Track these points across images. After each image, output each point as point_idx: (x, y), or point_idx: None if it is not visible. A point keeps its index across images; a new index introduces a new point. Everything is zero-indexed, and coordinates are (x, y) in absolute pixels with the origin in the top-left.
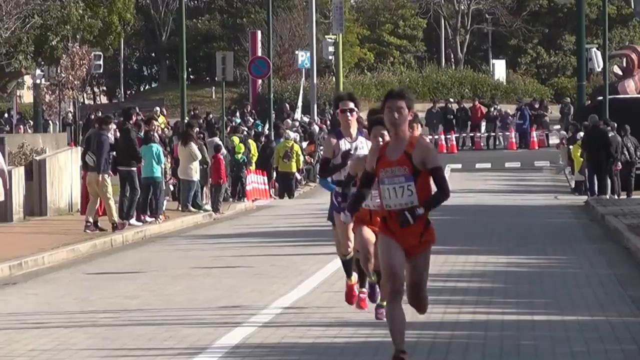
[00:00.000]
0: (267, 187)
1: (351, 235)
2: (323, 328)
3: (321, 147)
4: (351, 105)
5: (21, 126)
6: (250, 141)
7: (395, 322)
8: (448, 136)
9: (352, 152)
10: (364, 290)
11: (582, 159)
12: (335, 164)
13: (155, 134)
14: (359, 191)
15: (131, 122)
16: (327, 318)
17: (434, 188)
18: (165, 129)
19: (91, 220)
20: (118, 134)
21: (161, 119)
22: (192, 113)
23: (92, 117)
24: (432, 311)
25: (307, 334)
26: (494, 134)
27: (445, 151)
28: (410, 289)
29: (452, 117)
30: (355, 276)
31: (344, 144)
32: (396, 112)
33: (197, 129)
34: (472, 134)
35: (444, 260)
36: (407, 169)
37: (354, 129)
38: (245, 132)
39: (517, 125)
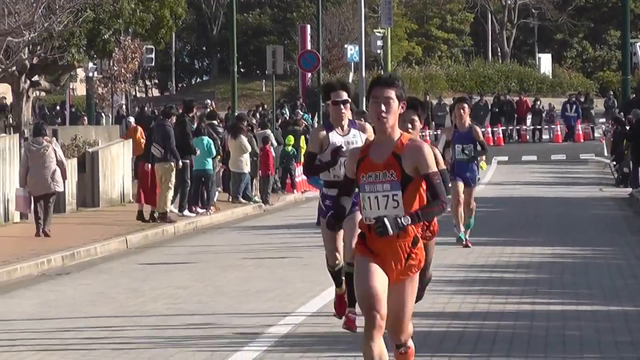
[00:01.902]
0: None
1: (340, 244)
2: None
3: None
4: (344, 95)
5: (85, 118)
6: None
7: None
8: (495, 129)
9: (343, 147)
10: (354, 310)
11: (626, 152)
12: (322, 161)
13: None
14: (337, 201)
15: (191, 114)
16: None
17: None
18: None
19: (161, 210)
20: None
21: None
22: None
23: (145, 109)
24: (478, 301)
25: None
26: (539, 126)
27: (492, 143)
28: (390, 314)
29: (497, 110)
30: (344, 287)
31: (334, 137)
32: (383, 104)
33: (247, 122)
34: (518, 127)
35: (491, 251)
36: (395, 175)
37: (345, 122)
38: (304, 126)
39: (566, 118)
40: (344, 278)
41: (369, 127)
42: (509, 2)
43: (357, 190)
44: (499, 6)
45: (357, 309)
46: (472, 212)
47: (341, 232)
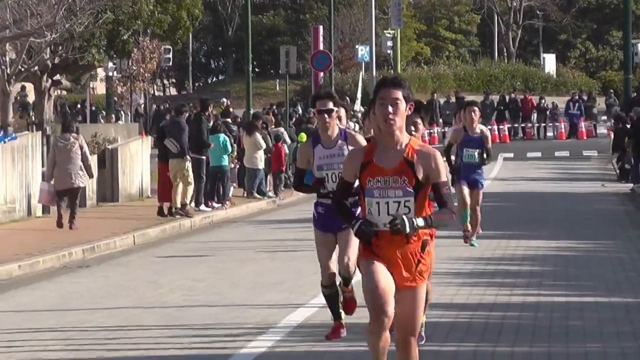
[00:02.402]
0: None
1: (334, 265)
2: None
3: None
4: (330, 105)
5: (112, 115)
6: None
7: (379, 354)
8: (501, 127)
9: (326, 180)
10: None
11: (627, 149)
12: (312, 181)
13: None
14: (339, 209)
15: (207, 112)
16: None
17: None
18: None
19: (179, 204)
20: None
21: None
22: (275, 106)
23: (161, 108)
24: (485, 293)
25: (366, 314)
26: (544, 124)
27: (498, 140)
28: (400, 319)
29: (503, 108)
30: (343, 317)
31: (319, 151)
32: (391, 105)
33: (262, 120)
34: (523, 125)
35: (497, 245)
36: (407, 181)
37: (333, 132)
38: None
39: (570, 116)
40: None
41: (360, 139)
42: (515, 3)
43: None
44: (505, 8)
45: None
46: (477, 221)
47: (334, 245)
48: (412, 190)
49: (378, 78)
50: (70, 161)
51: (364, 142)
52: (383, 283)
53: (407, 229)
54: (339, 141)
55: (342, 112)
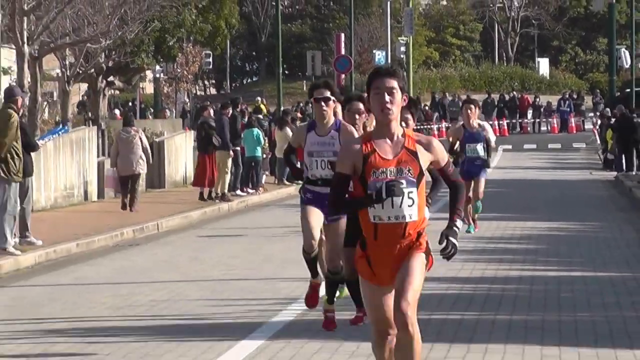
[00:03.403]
0: None
1: (317, 233)
2: None
3: None
4: (327, 93)
5: (167, 111)
6: None
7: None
8: (500, 122)
9: (313, 163)
10: (332, 308)
11: (612, 141)
12: (294, 168)
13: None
14: (335, 196)
15: (238, 109)
16: None
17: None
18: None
19: (219, 192)
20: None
21: (263, 107)
22: (300, 106)
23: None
24: (486, 268)
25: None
26: (538, 120)
27: (498, 134)
28: (396, 290)
29: (503, 105)
30: (321, 277)
31: (312, 137)
32: (387, 94)
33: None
34: (520, 120)
35: (497, 226)
36: (412, 171)
37: (329, 122)
38: None
39: (561, 112)
40: (324, 282)
41: (352, 130)
42: (513, 13)
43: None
44: (504, 17)
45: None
46: (479, 198)
47: (319, 220)
48: (415, 181)
49: None
50: (131, 151)
51: (355, 134)
52: (387, 308)
53: (458, 245)
54: (332, 131)
55: (339, 107)
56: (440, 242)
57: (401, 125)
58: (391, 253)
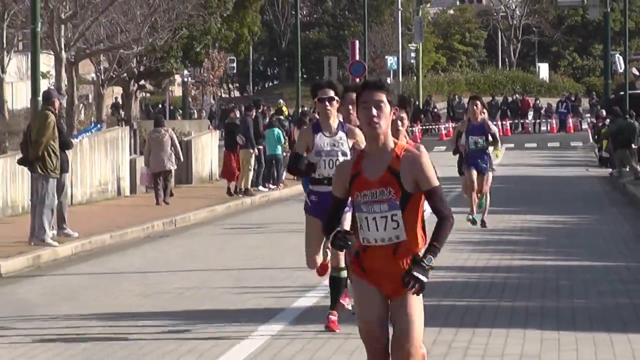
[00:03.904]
0: None
1: (319, 246)
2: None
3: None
4: (330, 93)
5: (203, 112)
6: None
7: None
8: (503, 122)
9: (316, 165)
10: (334, 312)
11: (607, 141)
12: (306, 164)
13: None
14: (328, 222)
15: (260, 110)
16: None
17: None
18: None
19: (243, 187)
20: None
21: (284, 109)
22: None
23: (227, 108)
24: (491, 258)
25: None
26: (539, 120)
27: (501, 134)
28: (398, 330)
29: (506, 107)
30: (328, 254)
31: (320, 139)
32: (374, 108)
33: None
34: (522, 121)
35: (500, 219)
36: (393, 193)
37: (334, 122)
38: None
39: (560, 113)
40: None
41: (359, 133)
42: (515, 22)
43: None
44: (507, 25)
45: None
46: (484, 195)
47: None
48: (398, 203)
49: (404, 83)
50: (162, 149)
51: (361, 136)
52: (376, 314)
53: (425, 280)
54: (340, 132)
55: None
56: (402, 280)
57: (397, 123)
58: (384, 269)
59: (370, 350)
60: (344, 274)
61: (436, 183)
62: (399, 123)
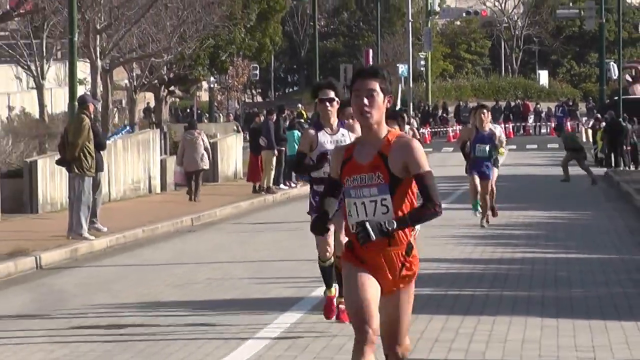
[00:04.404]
0: None
1: (331, 240)
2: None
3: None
4: (331, 94)
5: (231, 115)
6: None
7: None
8: (506, 125)
9: (329, 155)
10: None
11: (602, 142)
12: (313, 160)
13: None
14: (321, 203)
15: (283, 115)
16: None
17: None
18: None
19: (265, 185)
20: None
21: (304, 113)
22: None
23: (251, 113)
24: (495, 250)
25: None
26: (539, 123)
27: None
28: (384, 326)
29: (508, 111)
30: (335, 287)
31: (323, 136)
32: (366, 97)
33: None
34: (523, 124)
35: (502, 214)
36: (382, 177)
37: (334, 121)
38: None
39: (558, 117)
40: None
41: (357, 127)
42: (517, 32)
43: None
44: (509, 35)
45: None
46: (486, 207)
47: (331, 228)
48: (387, 187)
49: (414, 89)
50: (195, 150)
51: (359, 130)
52: (366, 294)
53: (372, 236)
54: (340, 129)
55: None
56: (355, 228)
57: (392, 126)
58: (377, 259)
59: (360, 333)
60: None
61: (426, 168)
62: (396, 127)
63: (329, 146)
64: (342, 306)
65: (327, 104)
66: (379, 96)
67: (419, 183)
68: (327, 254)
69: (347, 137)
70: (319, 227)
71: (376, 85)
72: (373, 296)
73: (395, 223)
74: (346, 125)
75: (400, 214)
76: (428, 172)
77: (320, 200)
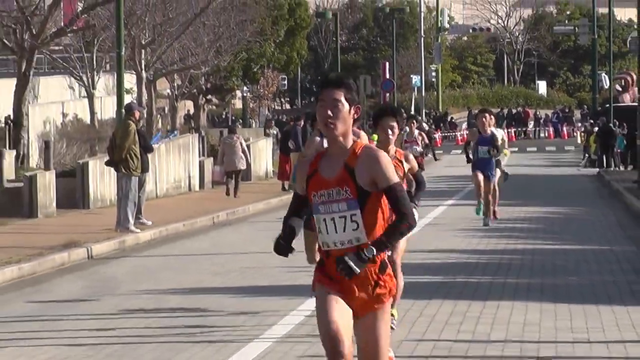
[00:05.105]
0: None
1: None
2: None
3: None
4: None
5: (272, 122)
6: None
7: None
8: (509, 130)
9: None
10: None
11: (595, 145)
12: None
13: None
14: (284, 223)
15: (309, 121)
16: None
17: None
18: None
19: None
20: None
21: None
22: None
23: (284, 120)
24: (498, 242)
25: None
26: (538, 128)
27: (507, 140)
28: (361, 351)
29: (511, 117)
30: None
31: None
32: (330, 108)
33: None
34: (524, 129)
35: (505, 209)
36: (349, 191)
37: None
38: None
39: (553, 123)
40: None
41: (363, 134)
42: (518, 47)
43: None
44: (511, 49)
45: None
46: (490, 205)
47: None
48: (356, 202)
49: (426, 98)
50: (234, 152)
51: (365, 137)
52: (338, 319)
53: (357, 270)
54: None
55: None
56: (337, 266)
57: (388, 132)
58: (348, 280)
59: (332, 359)
60: None
61: (395, 180)
62: (389, 132)
63: None
64: None
65: None
66: (344, 107)
67: (389, 196)
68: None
69: None
70: (282, 249)
71: (341, 96)
72: (345, 321)
73: (374, 249)
74: (353, 132)
75: (372, 229)
76: (397, 184)
77: (284, 221)
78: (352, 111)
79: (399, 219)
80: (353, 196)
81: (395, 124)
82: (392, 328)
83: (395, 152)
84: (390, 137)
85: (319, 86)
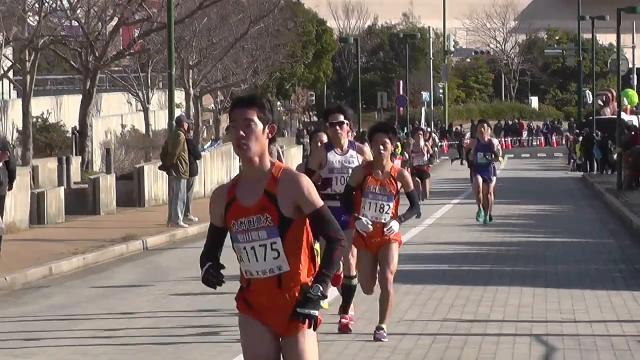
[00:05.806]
0: None
1: (349, 255)
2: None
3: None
4: (341, 118)
5: (303, 132)
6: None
7: None
8: (506, 139)
9: (333, 181)
10: (346, 316)
11: (580, 152)
12: (322, 177)
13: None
14: (202, 260)
15: None
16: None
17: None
18: None
19: None
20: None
21: None
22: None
23: (311, 129)
24: (497, 236)
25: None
26: (531, 137)
27: (504, 147)
28: None
29: (507, 128)
30: (341, 265)
31: (333, 156)
32: (242, 128)
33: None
34: (519, 138)
35: (502, 208)
36: (271, 219)
37: (345, 142)
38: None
39: (543, 134)
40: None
41: (367, 150)
42: (514, 67)
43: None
44: (508, 70)
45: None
46: (489, 206)
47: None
48: (276, 230)
49: (435, 112)
50: (271, 157)
51: (369, 153)
52: (262, 350)
53: (317, 313)
54: (351, 150)
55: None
56: (290, 318)
57: (380, 148)
58: (272, 302)
59: None
60: (355, 282)
61: (320, 204)
62: (381, 147)
63: (337, 165)
64: (344, 320)
65: (337, 127)
66: (258, 127)
67: (317, 221)
68: (352, 271)
69: (355, 159)
70: (210, 281)
71: (254, 115)
72: (272, 354)
73: (319, 287)
74: (357, 147)
75: (295, 257)
76: (322, 208)
77: (201, 257)
78: (267, 131)
79: (330, 245)
80: (274, 224)
81: (388, 140)
82: (381, 340)
83: (391, 169)
84: (383, 152)
85: (231, 107)
